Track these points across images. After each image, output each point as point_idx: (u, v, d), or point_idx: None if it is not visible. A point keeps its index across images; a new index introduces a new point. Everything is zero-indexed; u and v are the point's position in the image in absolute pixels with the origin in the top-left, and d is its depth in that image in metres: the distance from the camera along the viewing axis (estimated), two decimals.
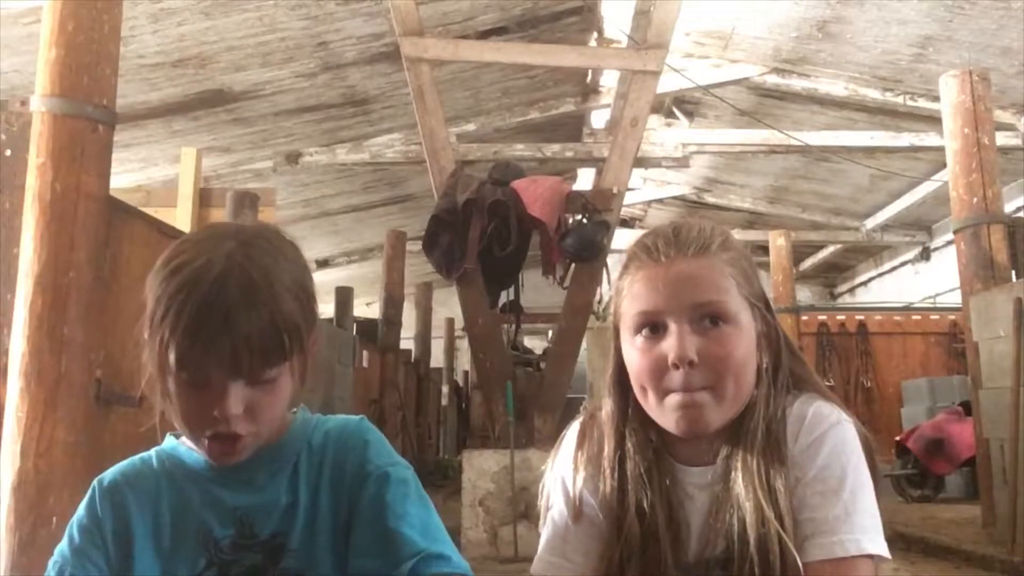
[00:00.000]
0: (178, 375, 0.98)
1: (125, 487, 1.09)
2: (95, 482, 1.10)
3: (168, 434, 1.13)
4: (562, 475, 1.20)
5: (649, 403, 1.11)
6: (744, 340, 1.09)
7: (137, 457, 1.13)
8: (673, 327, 1.08)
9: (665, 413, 1.09)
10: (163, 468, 1.10)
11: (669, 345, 1.07)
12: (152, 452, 1.13)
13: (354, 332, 8.01)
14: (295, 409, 1.14)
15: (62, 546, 1.06)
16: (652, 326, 1.10)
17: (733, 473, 1.09)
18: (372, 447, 1.10)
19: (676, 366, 1.06)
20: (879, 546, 1.03)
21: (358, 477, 1.07)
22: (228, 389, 0.97)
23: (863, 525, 1.03)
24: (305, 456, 1.10)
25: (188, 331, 0.95)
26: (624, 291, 1.15)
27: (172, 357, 0.96)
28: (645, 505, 1.11)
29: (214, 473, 1.07)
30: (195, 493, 1.07)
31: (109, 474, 1.11)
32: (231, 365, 0.96)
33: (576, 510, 1.16)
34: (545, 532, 1.19)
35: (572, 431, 1.25)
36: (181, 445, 1.11)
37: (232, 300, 0.96)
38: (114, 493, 1.08)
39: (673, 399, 1.07)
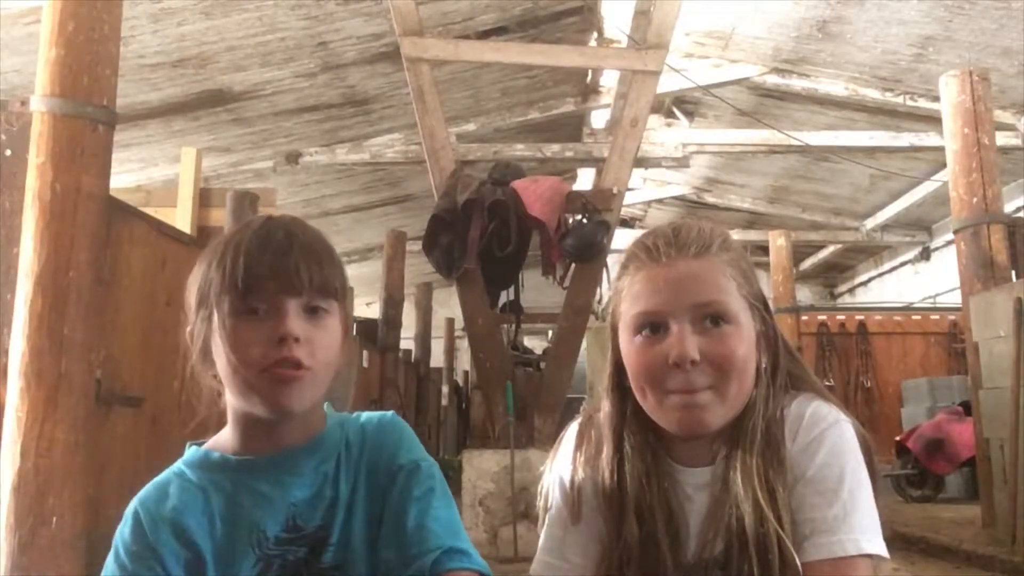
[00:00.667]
0: (238, 305, 1.02)
1: (179, 506, 1.05)
2: (137, 506, 1.06)
3: (189, 443, 1.12)
4: (561, 476, 1.20)
5: (649, 403, 1.11)
6: (745, 340, 1.09)
7: (168, 473, 1.10)
8: (674, 327, 1.07)
9: (666, 413, 1.09)
10: (202, 476, 1.08)
11: (670, 345, 1.07)
12: (180, 465, 1.10)
13: (354, 332, 8.02)
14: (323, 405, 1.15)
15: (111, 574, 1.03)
16: (652, 326, 1.09)
17: (732, 473, 1.08)
18: (405, 441, 1.12)
19: (677, 365, 1.06)
20: (878, 546, 1.03)
21: (390, 470, 1.08)
22: (288, 307, 1.02)
23: (862, 525, 1.03)
24: (344, 450, 1.11)
25: (254, 248, 1.03)
26: (624, 291, 1.14)
27: (237, 279, 1.01)
28: (644, 507, 1.11)
29: (258, 470, 1.06)
30: (244, 495, 1.06)
31: (153, 497, 1.07)
32: (294, 278, 1.02)
33: (575, 511, 1.16)
34: (544, 533, 1.19)
35: (571, 432, 1.24)
36: (212, 451, 1.09)
37: (291, 223, 1.08)
38: (166, 514, 1.05)
39: (674, 399, 1.07)
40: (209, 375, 1.06)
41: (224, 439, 1.10)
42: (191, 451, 1.12)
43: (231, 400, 1.07)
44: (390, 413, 1.17)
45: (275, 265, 1.02)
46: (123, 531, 1.05)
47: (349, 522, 1.07)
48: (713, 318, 1.08)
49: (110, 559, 1.05)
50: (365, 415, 1.16)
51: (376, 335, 9.19)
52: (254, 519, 1.05)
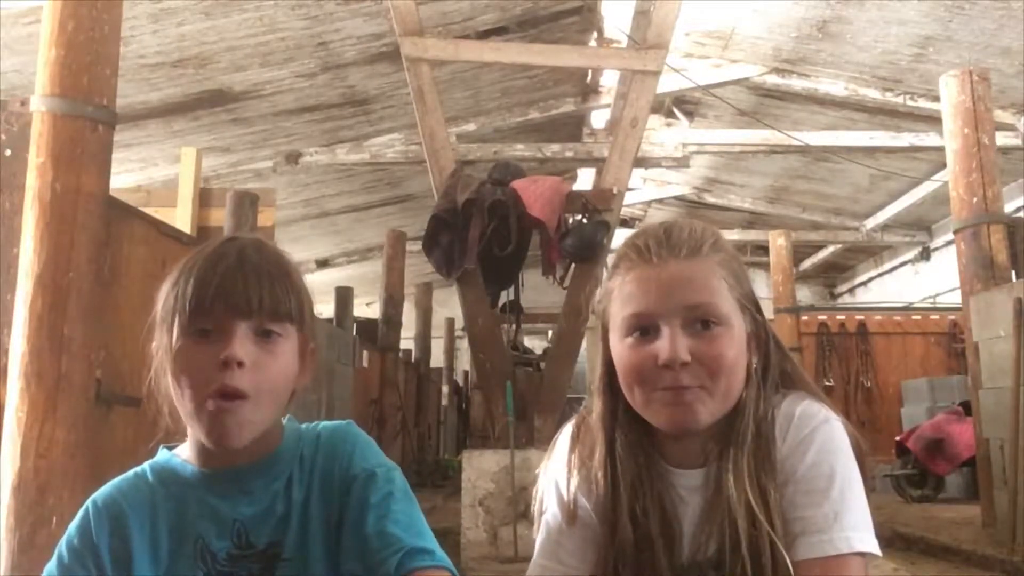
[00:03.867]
0: (188, 326, 1.01)
1: (123, 503, 1.08)
2: (89, 502, 1.09)
3: (161, 446, 1.14)
4: (556, 478, 1.20)
5: (637, 401, 1.10)
6: (735, 341, 1.09)
7: (131, 472, 1.12)
8: (665, 329, 1.07)
9: (654, 410, 1.09)
10: (159, 481, 1.10)
11: (660, 346, 1.06)
12: (146, 465, 1.13)
13: (354, 332, 8.01)
14: (283, 418, 1.14)
15: (51, 565, 1.06)
16: (643, 328, 1.09)
17: (724, 476, 1.08)
18: (359, 451, 1.11)
19: (667, 367, 1.06)
20: (869, 544, 1.03)
21: (345, 480, 1.08)
22: (236, 329, 1.01)
23: (853, 523, 1.03)
24: (297, 465, 1.11)
25: (204, 269, 1.03)
26: (614, 292, 1.14)
27: (187, 302, 1.01)
28: (638, 509, 1.11)
29: (211, 483, 1.07)
30: (192, 505, 1.07)
31: (103, 493, 1.10)
32: (241, 299, 1.02)
33: (570, 514, 1.15)
34: (540, 536, 1.19)
35: (565, 434, 1.24)
36: (175, 457, 1.11)
37: (248, 244, 1.08)
38: (112, 511, 1.07)
39: (663, 396, 1.07)
40: (167, 392, 1.07)
41: (187, 448, 1.11)
42: (160, 453, 1.13)
43: None
44: (345, 422, 1.16)
45: (223, 286, 1.02)
46: (72, 524, 1.08)
47: (304, 536, 1.07)
48: (704, 321, 1.08)
49: (56, 548, 1.07)
50: (321, 426, 1.15)
51: (376, 335, 9.20)
52: (199, 531, 1.06)
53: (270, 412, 1.06)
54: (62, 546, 1.06)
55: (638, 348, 1.09)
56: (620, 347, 1.11)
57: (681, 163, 9.87)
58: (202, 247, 1.09)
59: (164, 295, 1.06)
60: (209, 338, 1.01)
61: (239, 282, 1.02)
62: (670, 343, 1.06)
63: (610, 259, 6.22)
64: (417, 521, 1.05)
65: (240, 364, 1.00)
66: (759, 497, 1.05)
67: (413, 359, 11.55)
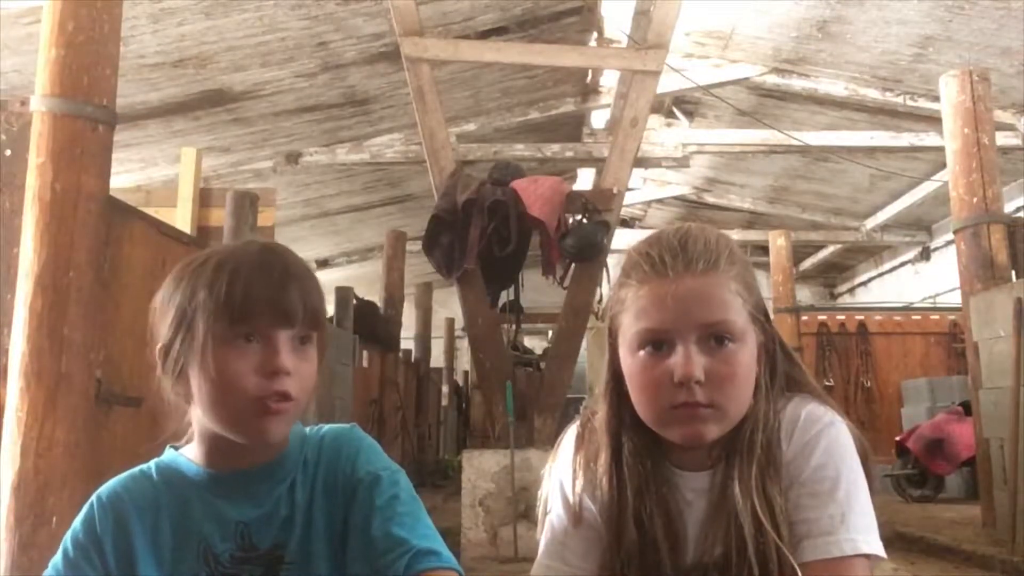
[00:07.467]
0: (227, 332, 1.01)
1: (127, 500, 1.08)
2: (94, 498, 1.10)
3: (168, 446, 1.14)
4: (561, 480, 1.20)
5: (647, 415, 1.10)
6: (747, 356, 1.09)
7: (136, 469, 1.13)
8: (680, 346, 1.06)
9: (666, 427, 1.08)
10: (163, 480, 1.10)
11: (675, 363, 1.05)
12: (151, 464, 1.13)
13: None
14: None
15: (56, 559, 1.06)
16: (656, 344, 1.08)
17: (730, 482, 1.08)
18: (363, 454, 1.11)
19: (681, 384, 1.05)
20: (875, 546, 1.03)
21: (350, 484, 1.08)
22: (280, 338, 1.03)
23: (858, 525, 1.03)
24: (301, 468, 1.11)
25: (253, 276, 1.02)
26: (626, 303, 1.12)
27: (233, 307, 1.01)
28: (643, 511, 1.11)
29: (216, 485, 1.08)
30: (197, 506, 1.08)
31: (108, 488, 1.10)
32: (290, 310, 1.03)
33: (576, 515, 1.15)
34: (544, 537, 1.18)
35: (570, 435, 1.24)
36: (181, 456, 1.12)
37: (285, 252, 1.08)
38: (115, 507, 1.08)
39: (676, 413, 1.06)
40: (177, 394, 1.06)
41: (193, 449, 1.12)
42: (166, 453, 1.14)
43: (201, 419, 1.07)
44: (349, 426, 1.16)
45: (273, 296, 1.03)
46: (77, 519, 1.09)
47: (307, 538, 1.07)
48: (719, 337, 1.07)
49: (62, 543, 1.08)
50: (325, 429, 1.16)
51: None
52: (202, 532, 1.06)
53: (301, 414, 1.08)
54: (67, 541, 1.07)
55: (651, 363, 1.07)
56: (631, 361, 1.10)
57: (681, 163, 9.88)
58: (232, 250, 1.08)
59: (187, 296, 1.04)
60: (250, 343, 1.02)
61: (289, 292, 1.04)
62: (685, 360, 1.04)
63: (612, 261, 6.20)
64: (423, 523, 1.05)
65: (288, 373, 1.02)
66: (765, 503, 1.04)
67: (413, 359, 11.55)
